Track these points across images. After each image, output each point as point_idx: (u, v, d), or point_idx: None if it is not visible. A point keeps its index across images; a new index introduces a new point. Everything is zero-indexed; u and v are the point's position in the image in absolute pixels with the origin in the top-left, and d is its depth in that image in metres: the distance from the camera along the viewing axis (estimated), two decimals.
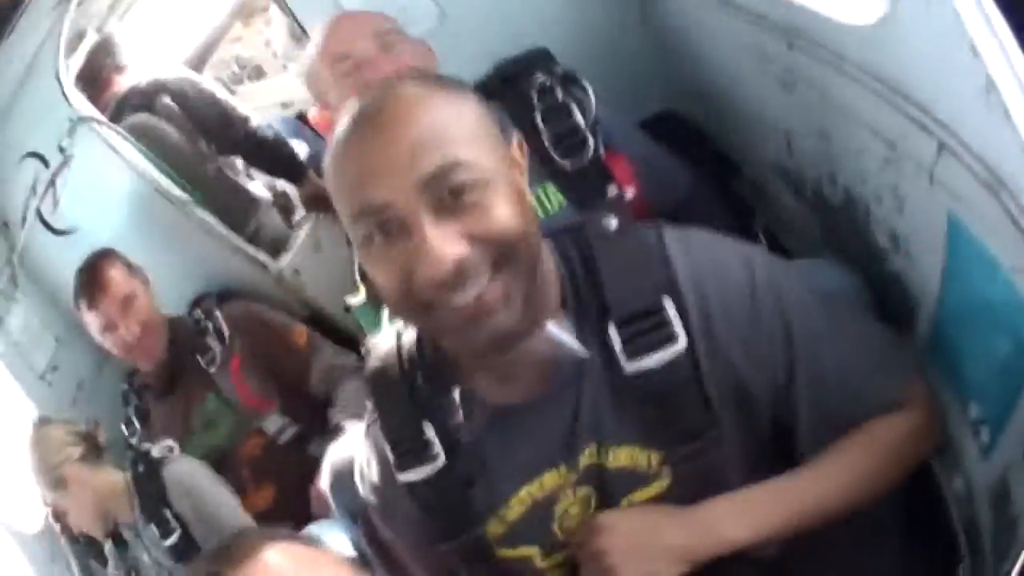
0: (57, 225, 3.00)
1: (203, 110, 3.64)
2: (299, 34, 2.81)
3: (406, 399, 1.32)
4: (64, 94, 3.04)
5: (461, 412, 1.30)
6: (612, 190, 1.75)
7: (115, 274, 2.77)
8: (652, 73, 2.45)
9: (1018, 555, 0.92)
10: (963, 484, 1.47)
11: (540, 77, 1.80)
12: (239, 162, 3.84)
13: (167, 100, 3.58)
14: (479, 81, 1.89)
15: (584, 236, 1.30)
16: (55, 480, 2.55)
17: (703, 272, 1.26)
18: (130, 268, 2.87)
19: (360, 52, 1.86)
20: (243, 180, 3.80)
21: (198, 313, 2.93)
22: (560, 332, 1.22)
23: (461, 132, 1.11)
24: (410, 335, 1.38)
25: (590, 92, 1.84)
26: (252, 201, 3.72)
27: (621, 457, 1.31)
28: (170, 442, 2.62)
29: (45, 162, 2.94)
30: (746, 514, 1.29)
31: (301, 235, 3.51)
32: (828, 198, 1.93)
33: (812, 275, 1.58)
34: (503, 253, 1.11)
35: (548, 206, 1.80)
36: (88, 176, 3.06)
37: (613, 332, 1.23)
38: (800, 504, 1.30)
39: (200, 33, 5.02)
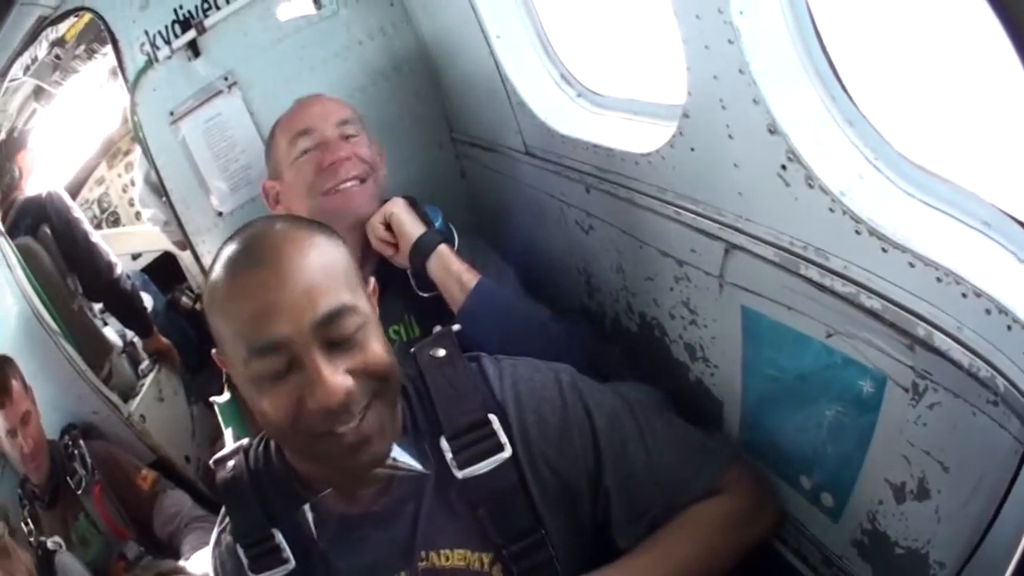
0: None
1: (75, 248, 3.57)
2: (155, 182, 2.73)
3: (257, 507, 1.33)
4: None
5: (311, 520, 1.31)
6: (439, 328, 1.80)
7: (16, 385, 2.76)
8: (470, 225, 2.47)
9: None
10: (817, 553, 1.45)
11: None
12: (96, 306, 3.74)
13: (47, 229, 3.49)
14: None
15: (416, 365, 1.36)
16: None
17: (519, 388, 1.34)
18: (25, 385, 2.81)
19: (321, 133, 1.90)
20: (99, 324, 3.71)
21: (67, 440, 2.96)
22: (401, 454, 1.26)
23: (344, 277, 1.17)
24: (257, 450, 1.37)
25: (454, 231, 1.91)
26: (106, 345, 3.62)
27: (455, 559, 1.29)
28: (58, 538, 2.68)
29: None
30: None
31: (146, 384, 3.49)
32: (626, 328, 1.97)
33: (619, 387, 1.58)
34: (380, 385, 1.16)
35: (409, 336, 1.91)
36: None
37: (445, 445, 1.28)
38: None
39: (76, 164, 5.01)
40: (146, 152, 2.60)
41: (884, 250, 1.07)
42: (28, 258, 3.30)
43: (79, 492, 2.88)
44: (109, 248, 3.78)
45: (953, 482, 1.11)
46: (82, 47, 4.12)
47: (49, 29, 2.95)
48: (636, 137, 1.68)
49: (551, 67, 2.11)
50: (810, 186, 1.13)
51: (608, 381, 1.54)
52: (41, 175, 3.77)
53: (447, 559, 1.29)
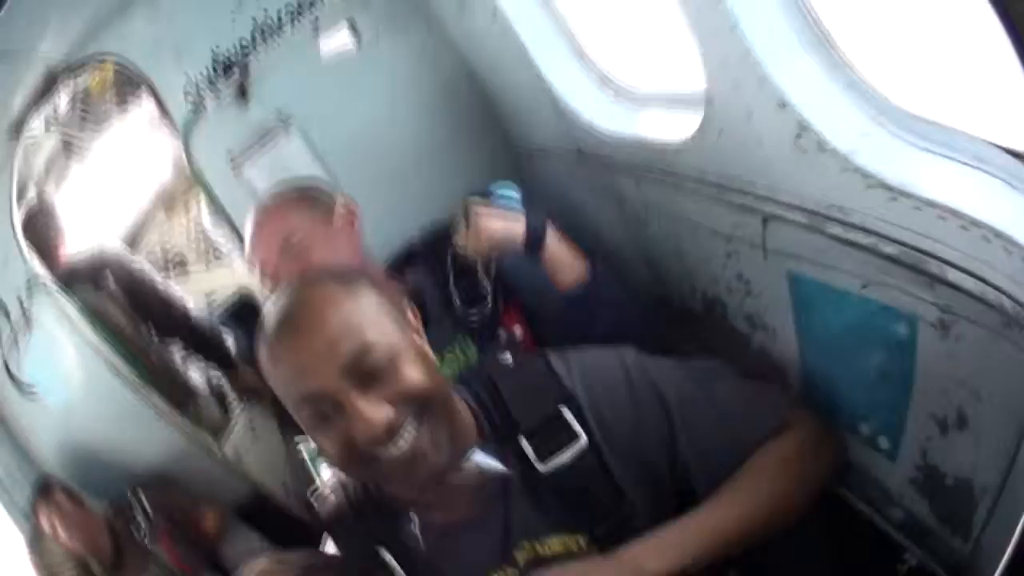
0: (22, 381, 3.09)
1: (144, 294, 3.76)
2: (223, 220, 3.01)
3: (362, 531, 1.55)
4: (19, 246, 3.14)
5: (414, 535, 1.52)
6: (503, 334, 2.07)
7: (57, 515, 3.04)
8: None
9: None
10: (881, 494, 1.65)
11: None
12: (176, 352, 3.96)
13: (110, 280, 3.67)
14: (406, 246, 2.29)
15: (487, 373, 1.60)
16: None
17: (587, 376, 1.55)
18: (70, 495, 3.10)
19: (268, 264, 2.12)
20: (182, 369, 3.94)
21: (131, 495, 3.25)
22: (483, 458, 1.47)
23: (364, 318, 1.38)
24: (354, 483, 1.61)
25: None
26: (191, 388, 3.88)
27: (554, 546, 1.49)
28: None
29: (5, 312, 3.03)
30: (664, 549, 1.42)
31: (238, 423, 3.69)
32: (691, 310, 2.21)
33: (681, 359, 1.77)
34: (421, 405, 1.37)
35: (467, 357, 2.09)
36: (45, 339, 3.16)
37: (524, 443, 1.50)
38: (711, 531, 1.44)
39: (130, 214, 5.20)
40: (213, 199, 2.89)
41: (893, 199, 1.29)
42: (93, 311, 3.49)
43: (147, 542, 3.19)
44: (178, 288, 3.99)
45: (986, 408, 1.30)
46: (112, 98, 4.34)
47: (68, 81, 3.03)
48: (673, 127, 1.93)
49: (589, 72, 2.39)
50: (822, 150, 1.36)
51: None
52: (88, 231, 3.99)
53: (546, 548, 1.48)
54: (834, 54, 1.40)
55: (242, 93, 2.75)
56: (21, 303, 3.07)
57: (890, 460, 1.58)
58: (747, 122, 1.52)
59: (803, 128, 1.38)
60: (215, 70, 2.72)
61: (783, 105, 1.39)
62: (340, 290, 1.42)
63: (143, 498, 3.25)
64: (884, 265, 1.37)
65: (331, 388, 1.33)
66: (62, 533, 3.05)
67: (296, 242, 2.10)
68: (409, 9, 2.84)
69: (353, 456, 1.36)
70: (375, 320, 1.39)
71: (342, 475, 1.64)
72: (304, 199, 2.21)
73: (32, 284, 3.13)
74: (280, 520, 3.24)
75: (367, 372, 1.34)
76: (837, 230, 1.43)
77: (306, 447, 2.24)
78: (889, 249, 1.34)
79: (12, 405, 3.13)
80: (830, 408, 1.68)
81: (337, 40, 2.79)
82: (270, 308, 1.43)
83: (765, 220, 1.63)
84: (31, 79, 2.70)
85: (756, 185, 1.62)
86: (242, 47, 2.73)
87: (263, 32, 2.75)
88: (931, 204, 1.25)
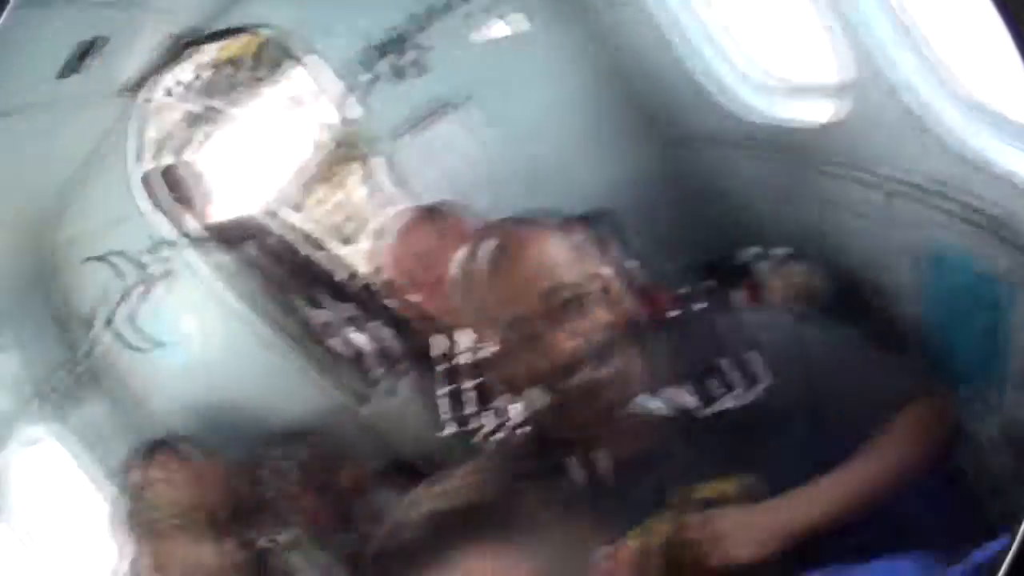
0: (135, 339, 3.09)
1: (297, 262, 3.60)
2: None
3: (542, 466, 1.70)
4: (140, 206, 3.16)
5: (578, 473, 1.66)
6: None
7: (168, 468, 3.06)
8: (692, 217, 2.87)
9: None
10: (977, 451, 1.72)
11: None
12: (329, 317, 3.73)
13: (260, 244, 3.54)
14: None
15: (654, 321, 1.73)
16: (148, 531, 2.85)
17: (746, 334, 1.71)
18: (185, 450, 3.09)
19: (394, 280, 2.39)
20: (324, 336, 3.65)
21: (268, 449, 3.16)
22: (649, 400, 1.64)
23: (560, 257, 1.61)
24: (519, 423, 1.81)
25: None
26: (339, 354, 3.59)
27: (708, 491, 1.62)
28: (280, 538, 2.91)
29: (119, 272, 3.02)
30: (811, 502, 1.57)
31: (387, 390, 3.40)
32: (831, 289, 2.34)
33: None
34: (605, 341, 1.56)
35: None
36: (172, 298, 3.10)
37: (686, 390, 1.65)
38: (856, 488, 1.58)
39: (276, 186, 5.18)
40: (374, 176, 2.89)
41: (978, 172, 1.51)
42: (233, 275, 3.34)
43: (279, 496, 3.10)
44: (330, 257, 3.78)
45: None
46: (253, 69, 4.36)
47: (202, 49, 3.02)
48: (811, 113, 2.12)
49: (736, 63, 2.54)
50: (925, 131, 1.56)
51: None
52: (234, 197, 3.71)
53: (702, 492, 1.62)
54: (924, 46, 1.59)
55: (402, 74, 2.83)
56: (140, 262, 3.04)
57: (989, 418, 1.68)
58: (869, 108, 1.72)
59: (908, 112, 1.58)
60: (374, 49, 2.83)
61: (893, 92, 1.57)
62: (538, 231, 1.66)
63: (284, 453, 3.17)
64: (981, 233, 1.54)
65: (526, 315, 1.55)
66: (174, 485, 3.04)
67: (421, 261, 2.22)
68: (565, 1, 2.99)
69: (538, 383, 1.58)
70: (569, 259, 1.61)
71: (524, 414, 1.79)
72: (432, 218, 2.33)
73: (158, 243, 3.08)
74: (416, 483, 2.91)
75: (560, 305, 1.55)
76: (942, 202, 1.61)
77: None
78: (978, 218, 1.52)
79: (121, 363, 3.09)
80: (944, 373, 1.79)
81: (498, 27, 2.88)
82: (472, 247, 1.67)
83: (887, 196, 1.81)
84: (154, 39, 2.75)
85: (879, 165, 1.80)
86: (402, 28, 2.83)
87: (425, 14, 2.85)
88: (1008, 176, 1.44)
